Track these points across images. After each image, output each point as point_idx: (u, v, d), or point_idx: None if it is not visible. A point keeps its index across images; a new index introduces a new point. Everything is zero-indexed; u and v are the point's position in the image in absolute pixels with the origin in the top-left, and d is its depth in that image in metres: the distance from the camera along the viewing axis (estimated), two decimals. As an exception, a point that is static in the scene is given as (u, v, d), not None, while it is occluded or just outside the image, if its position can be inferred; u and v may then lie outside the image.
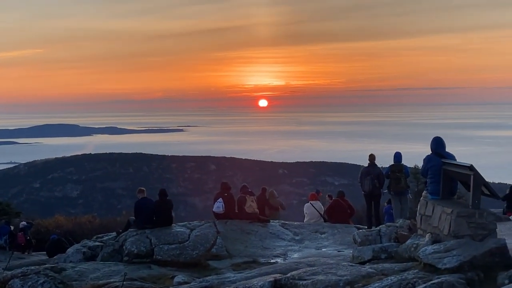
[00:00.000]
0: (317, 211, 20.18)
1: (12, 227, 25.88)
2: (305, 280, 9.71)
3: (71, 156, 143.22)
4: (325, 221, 19.81)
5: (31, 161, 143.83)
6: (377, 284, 8.77)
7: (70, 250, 17.45)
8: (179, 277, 12.44)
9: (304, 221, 20.33)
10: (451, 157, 11.18)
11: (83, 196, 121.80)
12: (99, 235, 18.66)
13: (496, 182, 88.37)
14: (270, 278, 10.42)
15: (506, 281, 8.19)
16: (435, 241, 10.22)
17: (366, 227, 17.94)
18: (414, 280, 8.58)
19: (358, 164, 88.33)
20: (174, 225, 17.13)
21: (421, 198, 11.66)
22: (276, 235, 17.44)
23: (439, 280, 8.22)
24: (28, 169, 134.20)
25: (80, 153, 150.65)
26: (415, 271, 9.26)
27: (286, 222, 19.17)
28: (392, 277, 8.98)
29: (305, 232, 17.90)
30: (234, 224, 17.75)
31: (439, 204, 10.65)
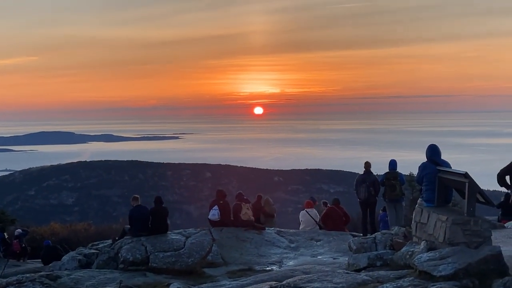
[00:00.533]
0: (313, 218, 20.19)
1: (6, 235, 25.83)
2: (301, 287, 9.72)
3: (67, 164, 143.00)
4: (320, 228, 19.81)
5: (26, 168, 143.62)
6: (372, 292, 8.78)
7: (65, 257, 17.42)
8: (175, 285, 12.44)
9: (300, 228, 20.33)
10: (446, 164, 11.21)
11: (78, 203, 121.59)
12: (95, 243, 18.62)
13: (491, 189, 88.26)
14: (266, 285, 10.44)
15: (501, 288, 8.22)
16: (430, 248, 10.24)
17: (362, 234, 17.95)
18: (410, 287, 8.60)
19: (353, 171, 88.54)
20: (170, 232, 17.12)
21: (416, 205, 11.68)
22: (271, 242, 17.44)
23: (434, 287, 8.24)
24: (24, 177, 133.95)
25: (75, 161, 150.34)
26: (411, 278, 9.28)
27: (282, 229, 19.17)
28: (388, 285, 9.01)
29: (301, 240, 17.90)
30: (229, 232, 17.75)
31: (434, 211, 10.67)
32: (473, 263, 8.97)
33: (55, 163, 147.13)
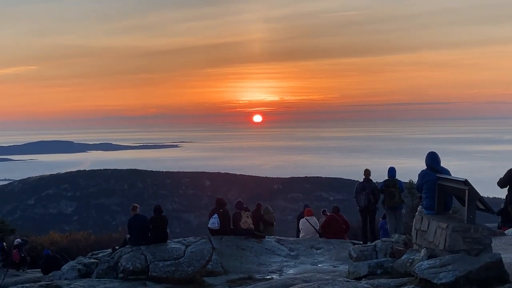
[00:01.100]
0: (313, 226, 20.17)
1: (5, 244, 25.80)
2: (301, 296, 9.70)
3: (66, 173, 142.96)
4: (320, 236, 19.78)
5: (25, 178, 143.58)
6: (373, 300, 8.76)
7: (65, 267, 17.38)
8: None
9: (300, 236, 20.31)
10: (446, 172, 11.21)
11: (77, 212, 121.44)
12: (94, 252, 18.60)
13: (491, 196, 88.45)
14: (266, 294, 10.41)
15: (502, 296, 8.20)
16: (430, 256, 10.22)
17: (362, 242, 17.92)
18: (410, 295, 8.59)
19: (353, 179, 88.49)
20: (169, 241, 17.09)
21: (417, 213, 11.67)
22: (271, 251, 17.41)
23: (435, 295, 8.23)
24: (23, 186, 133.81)
25: (74, 170, 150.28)
26: (411, 286, 9.27)
27: (282, 237, 19.14)
28: (388, 293, 8.98)
29: (301, 248, 17.87)
30: (229, 240, 17.72)
31: (434, 219, 10.65)
32: (473, 271, 8.95)
33: (54, 172, 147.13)
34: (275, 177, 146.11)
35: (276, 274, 14.93)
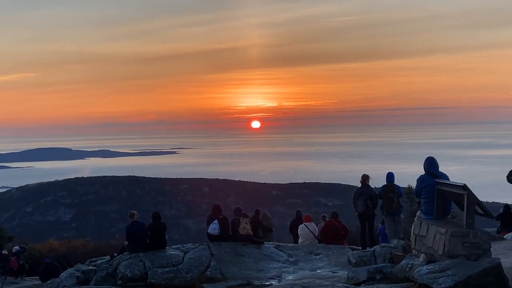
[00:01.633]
0: (311, 232, 20.14)
1: (3, 252, 25.74)
2: (300, 302, 9.68)
3: (64, 180, 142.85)
4: (319, 242, 19.75)
5: (23, 185, 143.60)
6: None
7: (63, 274, 17.33)
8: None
9: (299, 242, 20.28)
10: (444, 177, 11.21)
11: (76, 219, 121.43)
12: (93, 259, 18.54)
13: (490, 201, 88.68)
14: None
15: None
16: (429, 261, 10.21)
17: (361, 247, 17.90)
18: (410, 300, 8.57)
19: (351, 184, 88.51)
20: (168, 248, 17.06)
21: (415, 218, 11.67)
22: (270, 257, 17.38)
23: (434, 300, 8.21)
24: (21, 193, 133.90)
25: (72, 177, 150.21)
26: (410, 291, 9.25)
27: (280, 243, 19.11)
28: (388, 298, 8.97)
29: (300, 254, 17.84)
30: (228, 246, 17.69)
31: (433, 224, 10.65)
32: (473, 275, 8.94)
33: (52, 179, 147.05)
34: (274, 183, 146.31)
35: (275, 280, 14.89)
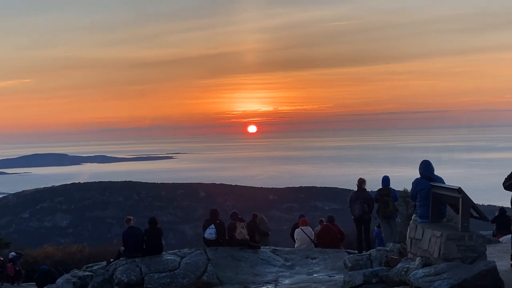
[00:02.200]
0: (308, 236, 20.14)
1: (0, 258, 25.69)
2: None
3: (60, 186, 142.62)
4: (315, 246, 19.74)
5: (20, 191, 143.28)
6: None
7: (59, 280, 17.29)
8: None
9: (295, 246, 20.27)
10: (440, 180, 11.24)
11: (72, 225, 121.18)
12: (89, 265, 18.51)
13: (486, 204, 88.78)
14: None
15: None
16: (425, 264, 10.23)
17: (357, 251, 17.90)
18: (405, 304, 8.59)
19: (347, 188, 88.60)
20: (164, 253, 17.05)
21: (411, 221, 11.69)
22: (267, 261, 17.37)
23: (430, 303, 8.22)
24: (17, 199, 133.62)
25: (69, 182, 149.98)
26: (406, 295, 9.26)
27: (277, 248, 19.10)
28: (383, 302, 8.98)
29: (296, 258, 17.84)
30: (224, 251, 17.68)
31: (428, 227, 10.67)
32: (468, 279, 8.96)
33: (49, 185, 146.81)
34: (270, 187, 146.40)
35: (272, 285, 14.89)
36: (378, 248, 14.90)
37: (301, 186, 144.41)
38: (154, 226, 17.23)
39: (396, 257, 12.38)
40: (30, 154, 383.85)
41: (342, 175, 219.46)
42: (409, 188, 13.10)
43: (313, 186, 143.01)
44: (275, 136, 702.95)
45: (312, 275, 15.82)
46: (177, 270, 15.71)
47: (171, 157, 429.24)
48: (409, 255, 11.53)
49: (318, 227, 21.01)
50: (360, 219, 18.44)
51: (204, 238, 18.41)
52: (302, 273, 16.18)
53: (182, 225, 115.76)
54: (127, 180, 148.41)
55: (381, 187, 18.37)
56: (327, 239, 19.61)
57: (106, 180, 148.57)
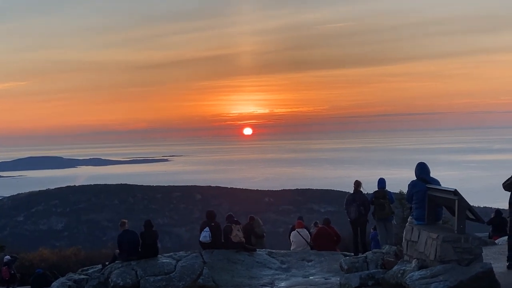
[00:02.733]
0: (304, 239, 20.11)
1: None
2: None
3: (55, 189, 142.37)
4: (311, 248, 19.71)
5: (15, 194, 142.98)
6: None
7: (54, 283, 17.23)
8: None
9: (291, 249, 20.24)
10: (436, 182, 11.23)
11: (68, 228, 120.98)
12: (84, 268, 18.46)
13: (482, 206, 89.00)
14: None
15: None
16: (421, 266, 10.22)
17: (353, 254, 17.88)
18: (402, 306, 8.56)
19: (344, 190, 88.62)
20: (160, 256, 17.02)
21: (407, 223, 11.68)
22: (262, 264, 17.34)
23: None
24: (12, 203, 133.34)
25: (64, 185, 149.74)
26: (403, 297, 9.24)
27: (273, 250, 19.07)
28: (380, 304, 8.96)
29: (292, 260, 17.81)
30: (220, 254, 17.64)
31: (424, 229, 10.66)
32: (464, 281, 8.95)
33: (44, 188, 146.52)
34: (266, 189, 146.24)
35: (268, 287, 14.87)
36: (374, 250, 14.89)
37: (297, 189, 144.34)
38: (149, 229, 17.20)
39: (392, 260, 12.36)
40: (25, 157, 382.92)
41: (338, 177, 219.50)
42: (405, 190, 13.08)
43: (309, 189, 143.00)
44: (271, 138, 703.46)
45: (308, 277, 15.80)
46: (173, 273, 15.68)
47: (166, 160, 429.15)
48: (405, 257, 11.52)
49: (314, 230, 20.99)
50: (356, 222, 18.43)
51: (199, 241, 18.39)
52: (298, 275, 16.16)
53: (178, 228, 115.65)
54: (123, 183, 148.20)
55: (377, 189, 18.37)
56: (323, 241, 19.58)
57: (102, 183, 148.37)
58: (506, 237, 13.39)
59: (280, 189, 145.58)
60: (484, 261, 9.87)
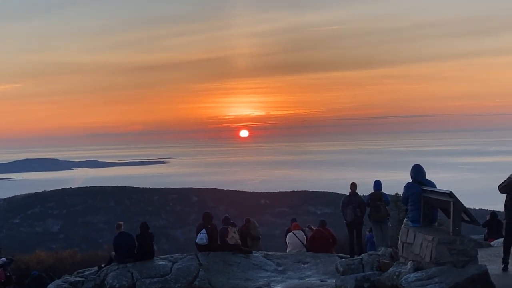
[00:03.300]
0: (300, 240, 20.12)
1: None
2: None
3: (52, 191, 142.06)
4: (307, 250, 19.72)
5: (11, 196, 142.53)
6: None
7: (50, 286, 17.22)
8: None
9: (287, 251, 20.25)
10: (431, 184, 11.26)
11: (64, 230, 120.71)
12: (80, 270, 18.43)
13: (477, 208, 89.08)
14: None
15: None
16: (417, 268, 10.24)
17: (349, 256, 17.90)
18: (397, 308, 8.58)
19: (340, 193, 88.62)
20: (156, 258, 17.02)
21: (402, 225, 11.70)
22: (259, 266, 17.35)
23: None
24: (8, 205, 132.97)
25: (60, 188, 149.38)
26: (398, 299, 9.26)
27: (269, 252, 19.07)
28: (375, 306, 8.97)
29: (288, 263, 17.82)
30: (216, 256, 17.64)
31: (420, 231, 10.69)
32: (460, 283, 8.97)
33: (40, 190, 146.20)
34: (262, 191, 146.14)
35: (264, 290, 14.87)
36: (370, 252, 14.91)
37: (293, 191, 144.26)
38: (145, 231, 17.20)
39: (388, 261, 12.38)
40: (21, 159, 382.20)
41: (335, 180, 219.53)
42: (400, 192, 13.11)
43: (305, 191, 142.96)
44: (267, 141, 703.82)
45: (304, 279, 15.81)
46: (169, 275, 15.68)
47: (163, 162, 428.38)
48: (401, 259, 11.54)
49: (309, 232, 20.99)
50: (352, 224, 18.46)
51: (196, 243, 18.38)
52: (294, 277, 16.17)
53: (174, 230, 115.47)
54: (119, 185, 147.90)
55: (373, 191, 18.39)
56: (319, 243, 19.60)
57: (98, 185, 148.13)
58: (502, 239, 13.45)
59: (276, 191, 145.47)
60: (479, 263, 9.90)
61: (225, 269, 16.82)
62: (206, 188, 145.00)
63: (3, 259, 25.55)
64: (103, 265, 17.24)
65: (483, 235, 20.78)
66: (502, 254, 11.36)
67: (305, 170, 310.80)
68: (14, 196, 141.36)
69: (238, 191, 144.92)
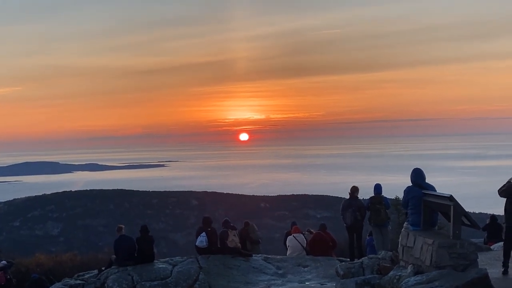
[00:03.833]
0: (300, 244, 20.11)
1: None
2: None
3: (52, 194, 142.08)
4: (307, 254, 19.71)
5: (11, 199, 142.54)
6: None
7: (51, 289, 17.25)
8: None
9: (287, 254, 20.24)
10: (431, 188, 11.26)
11: (63, 233, 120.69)
12: (80, 273, 18.44)
13: (477, 212, 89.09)
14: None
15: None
16: (417, 272, 10.24)
17: (349, 259, 17.89)
18: (397, 312, 8.58)
19: (340, 196, 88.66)
20: (156, 261, 17.02)
21: (403, 229, 11.70)
22: (258, 269, 17.34)
23: (422, 311, 8.22)
24: (8, 208, 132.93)
25: (60, 191, 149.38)
26: (398, 302, 9.26)
27: (269, 256, 19.07)
28: (376, 309, 8.97)
29: (288, 266, 17.82)
30: (216, 259, 17.65)
31: (420, 235, 10.68)
32: (460, 286, 8.97)
33: (40, 193, 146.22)
34: (262, 195, 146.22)
35: (264, 293, 14.87)
36: (370, 256, 14.89)
37: (293, 194, 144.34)
38: (145, 234, 17.20)
39: (388, 265, 12.38)
40: (21, 162, 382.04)
41: (334, 183, 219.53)
42: (400, 196, 13.11)
43: (305, 194, 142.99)
44: (266, 144, 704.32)
45: (304, 283, 15.81)
46: (169, 279, 15.68)
47: (162, 165, 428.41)
48: (401, 263, 11.53)
49: (308, 235, 20.98)
50: (352, 227, 18.44)
51: (196, 246, 18.38)
52: (294, 281, 16.17)
53: (174, 233, 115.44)
54: (119, 188, 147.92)
55: (373, 195, 18.38)
56: (319, 247, 19.59)
57: (98, 188, 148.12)
58: (501, 243, 13.46)
59: (276, 194, 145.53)
60: (479, 266, 9.90)
61: (225, 272, 16.82)
62: (205, 191, 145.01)
63: (3, 262, 25.55)
64: (103, 268, 17.24)
65: (483, 239, 20.78)
66: (502, 258, 11.36)
67: (305, 174, 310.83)
68: (14, 199, 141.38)
69: (238, 194, 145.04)
